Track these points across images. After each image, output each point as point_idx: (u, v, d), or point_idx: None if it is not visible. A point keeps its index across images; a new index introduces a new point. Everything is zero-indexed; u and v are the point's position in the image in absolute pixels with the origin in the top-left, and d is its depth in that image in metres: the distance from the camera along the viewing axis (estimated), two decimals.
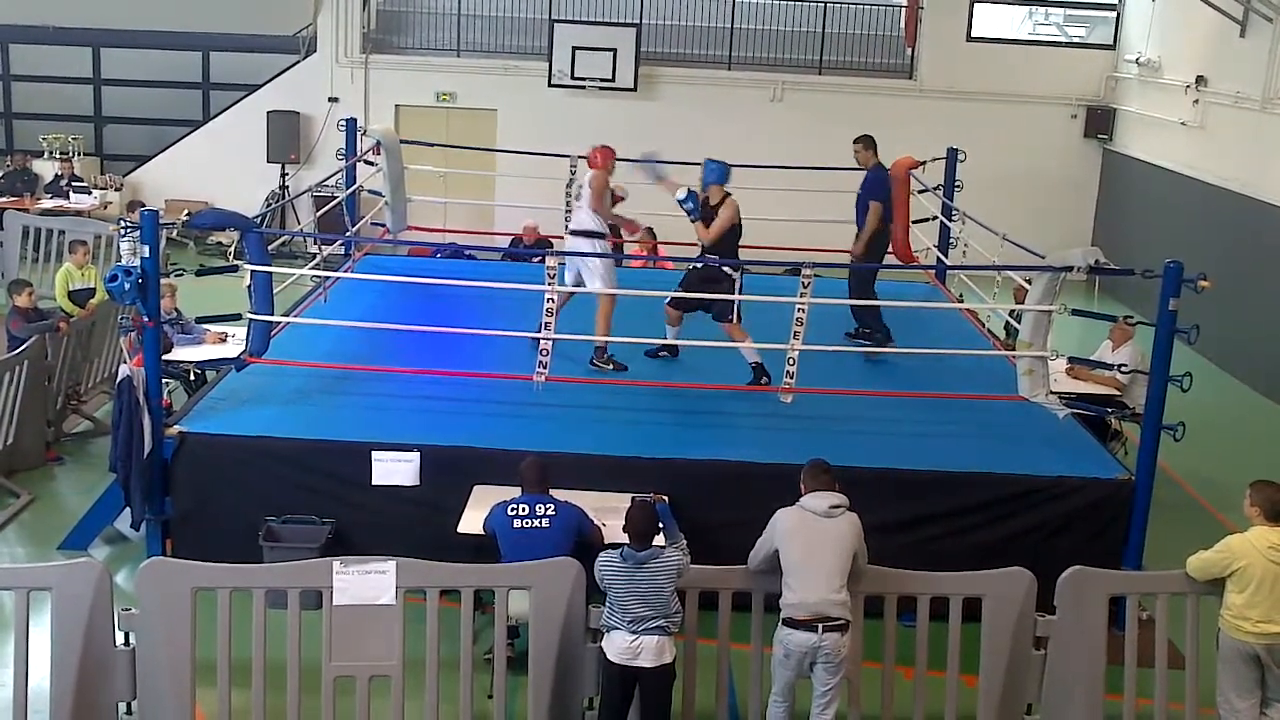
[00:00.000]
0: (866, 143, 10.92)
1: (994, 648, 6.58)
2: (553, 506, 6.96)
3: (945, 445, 8.51)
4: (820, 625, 6.16)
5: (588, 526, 7.04)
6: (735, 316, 9.25)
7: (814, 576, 6.18)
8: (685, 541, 6.34)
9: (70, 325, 10.57)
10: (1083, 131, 19.20)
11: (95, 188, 18.02)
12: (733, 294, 9.08)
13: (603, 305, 9.50)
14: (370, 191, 13.01)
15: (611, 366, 9.50)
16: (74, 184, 17.59)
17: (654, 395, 9.17)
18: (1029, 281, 8.99)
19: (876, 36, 19.39)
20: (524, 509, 6.93)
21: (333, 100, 18.94)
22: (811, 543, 6.24)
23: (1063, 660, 6.61)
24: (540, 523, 6.88)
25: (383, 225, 13.00)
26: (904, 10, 19.28)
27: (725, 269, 9.18)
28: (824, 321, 10.36)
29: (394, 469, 7.96)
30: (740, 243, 9.44)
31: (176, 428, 8.15)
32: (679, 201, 9.31)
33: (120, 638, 6.20)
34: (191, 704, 6.19)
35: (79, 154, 18.66)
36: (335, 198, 13.42)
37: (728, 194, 9.44)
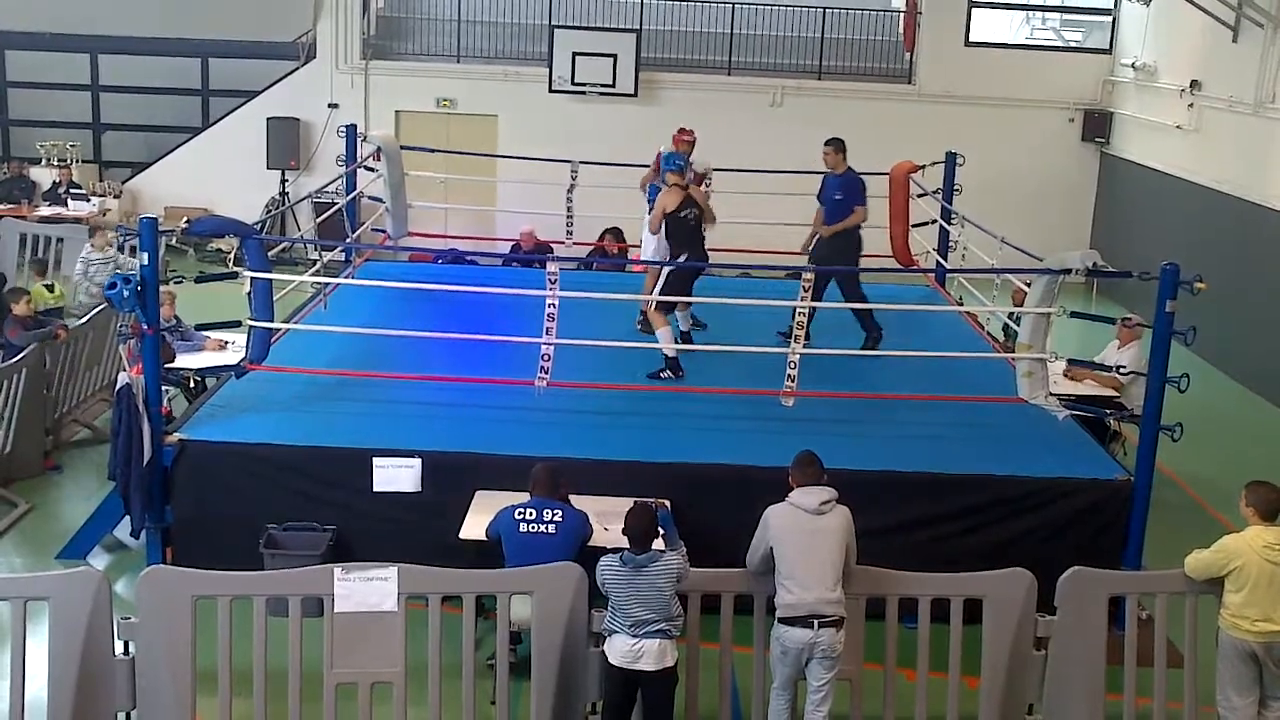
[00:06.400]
0: (838, 146, 10.76)
1: (995, 648, 6.59)
2: (560, 513, 6.95)
3: (945, 447, 8.52)
4: (816, 621, 6.18)
5: (593, 532, 7.04)
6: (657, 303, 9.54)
7: (810, 575, 6.20)
8: (685, 548, 6.35)
9: (69, 333, 10.57)
10: (1080, 135, 19.23)
11: (94, 195, 17.99)
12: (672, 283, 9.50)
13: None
14: (370, 198, 13.01)
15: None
16: (72, 191, 17.56)
17: (655, 399, 9.17)
18: (1028, 284, 9.00)
19: (875, 42, 19.40)
20: (531, 513, 6.93)
21: (333, 106, 18.93)
22: (806, 542, 6.26)
23: (1063, 660, 6.62)
24: (547, 528, 6.88)
25: (383, 231, 13.00)
26: (902, 16, 19.31)
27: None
28: (824, 325, 10.40)
29: (395, 475, 7.97)
30: (690, 227, 9.68)
31: (176, 435, 8.14)
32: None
33: (119, 647, 6.19)
34: (192, 713, 6.18)
35: (77, 161, 18.60)
36: (335, 204, 13.41)
37: (677, 185, 9.73)
